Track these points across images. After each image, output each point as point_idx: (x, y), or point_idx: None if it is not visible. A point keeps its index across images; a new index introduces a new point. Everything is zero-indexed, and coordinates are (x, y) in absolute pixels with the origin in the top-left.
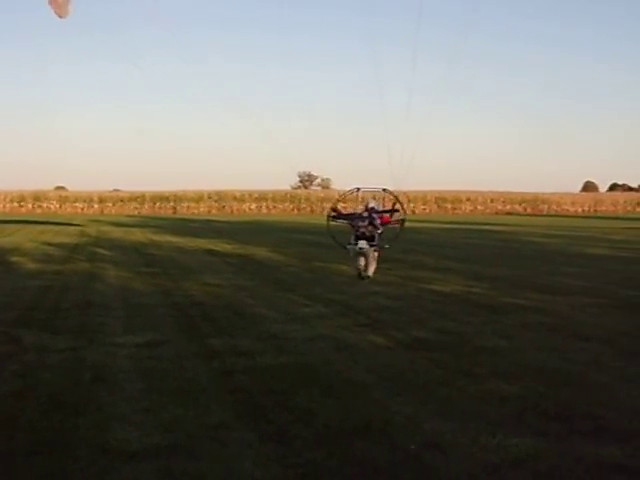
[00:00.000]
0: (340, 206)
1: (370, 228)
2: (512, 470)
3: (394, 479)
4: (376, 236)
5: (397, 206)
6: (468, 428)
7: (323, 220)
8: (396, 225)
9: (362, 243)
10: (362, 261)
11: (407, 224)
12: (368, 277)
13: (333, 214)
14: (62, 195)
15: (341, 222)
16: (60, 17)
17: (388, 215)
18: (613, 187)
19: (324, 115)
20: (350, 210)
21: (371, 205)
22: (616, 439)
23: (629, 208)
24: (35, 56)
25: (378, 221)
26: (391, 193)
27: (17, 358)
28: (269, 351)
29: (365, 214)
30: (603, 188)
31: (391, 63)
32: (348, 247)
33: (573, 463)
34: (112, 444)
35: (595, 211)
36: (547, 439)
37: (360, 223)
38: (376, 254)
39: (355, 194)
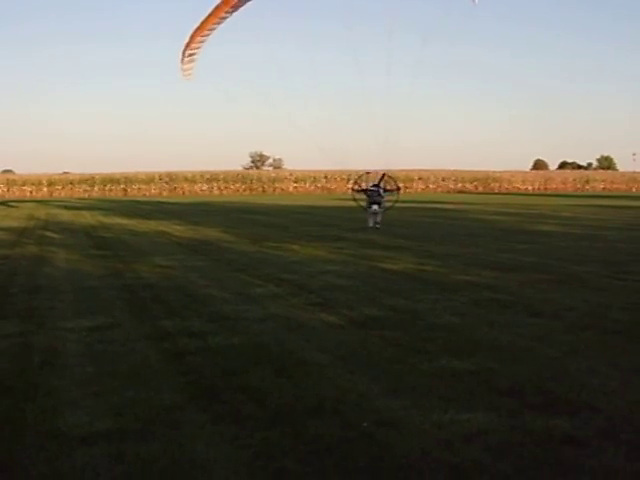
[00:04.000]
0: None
1: (378, 197)
2: (464, 445)
3: (347, 457)
4: (381, 202)
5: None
6: (420, 405)
7: (275, 200)
8: (391, 197)
9: (374, 206)
10: (373, 217)
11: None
12: (378, 226)
13: (356, 188)
14: (10, 178)
15: (359, 194)
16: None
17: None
18: (563, 165)
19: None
20: (364, 186)
21: (376, 182)
22: (566, 412)
23: (578, 186)
24: None
25: (382, 192)
26: (389, 176)
27: None
28: (221, 332)
29: (374, 188)
30: (553, 166)
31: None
32: (367, 209)
33: (524, 436)
34: (62, 429)
35: (545, 189)
36: (499, 414)
37: (372, 194)
38: (381, 212)
39: (366, 175)
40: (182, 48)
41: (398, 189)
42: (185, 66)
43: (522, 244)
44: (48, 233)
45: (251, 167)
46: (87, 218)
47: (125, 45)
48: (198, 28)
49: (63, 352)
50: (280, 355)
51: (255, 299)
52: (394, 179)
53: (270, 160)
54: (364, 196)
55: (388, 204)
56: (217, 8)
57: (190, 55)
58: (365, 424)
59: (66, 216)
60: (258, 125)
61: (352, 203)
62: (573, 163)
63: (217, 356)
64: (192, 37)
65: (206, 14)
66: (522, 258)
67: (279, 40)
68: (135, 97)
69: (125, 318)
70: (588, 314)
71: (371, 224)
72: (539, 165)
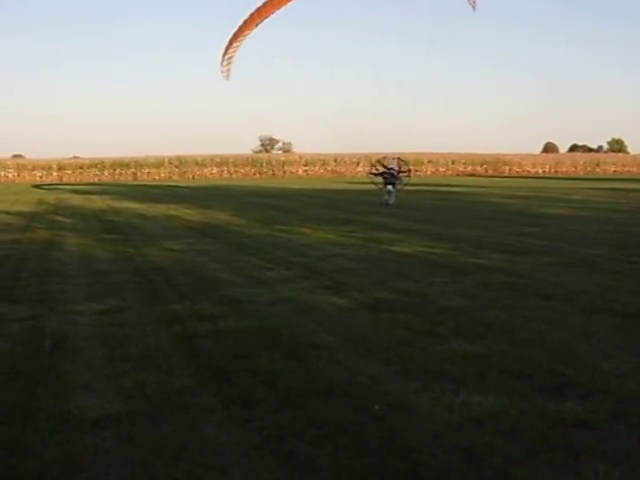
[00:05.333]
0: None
1: (392, 179)
2: (475, 428)
3: (358, 440)
4: (395, 183)
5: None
6: (431, 387)
7: (285, 183)
8: (403, 177)
9: (389, 187)
10: (387, 196)
11: (369, 187)
12: (391, 204)
13: (374, 171)
14: (20, 163)
15: (375, 176)
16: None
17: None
18: (573, 148)
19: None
20: (381, 169)
21: (391, 165)
22: (577, 395)
23: (589, 169)
24: None
25: (396, 174)
26: (402, 160)
27: None
28: (231, 315)
29: (388, 171)
30: (563, 149)
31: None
32: (383, 189)
33: (535, 420)
34: (73, 412)
35: (556, 172)
36: (510, 397)
37: (387, 176)
38: (395, 192)
39: (382, 159)
40: (222, 52)
41: (409, 171)
42: (224, 68)
43: (532, 227)
44: (59, 217)
45: (261, 151)
46: (97, 202)
47: (135, 27)
48: (235, 35)
49: (74, 336)
50: (290, 338)
51: (265, 282)
52: (406, 162)
53: (280, 144)
54: (380, 178)
55: (400, 185)
56: (252, 18)
57: (229, 58)
58: (376, 407)
59: (76, 200)
60: (268, 109)
61: (362, 186)
62: (584, 146)
63: (228, 339)
64: (230, 43)
65: (242, 22)
66: (532, 241)
67: (292, 23)
68: (144, 81)
69: (136, 301)
70: (599, 297)
71: (388, 200)
72: (549, 148)
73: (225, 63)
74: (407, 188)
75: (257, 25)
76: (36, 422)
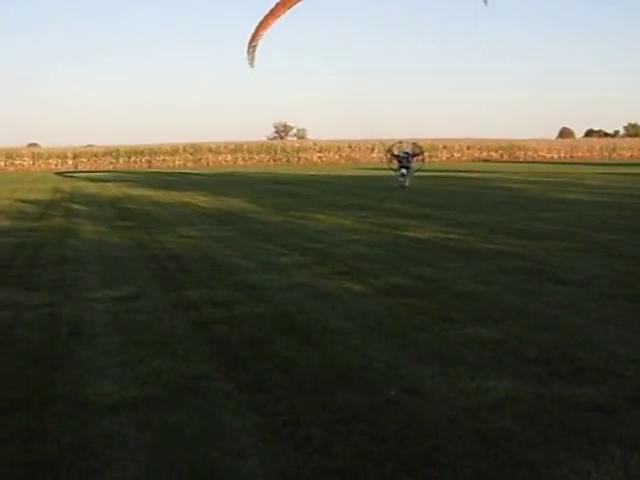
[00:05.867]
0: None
1: (407, 163)
2: (491, 413)
3: (374, 425)
4: (410, 166)
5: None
6: (447, 372)
7: (299, 170)
8: (418, 162)
9: (404, 170)
10: (402, 179)
11: (383, 173)
12: (406, 186)
13: (390, 155)
14: (35, 152)
15: (393, 157)
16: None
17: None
18: (589, 133)
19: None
20: (397, 153)
21: (407, 150)
22: (593, 380)
23: (605, 154)
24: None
25: (411, 159)
26: (417, 145)
27: None
28: (246, 301)
29: (404, 155)
30: (579, 134)
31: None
32: (398, 172)
33: (552, 404)
34: (90, 398)
35: (571, 157)
36: (526, 382)
37: (403, 160)
38: (409, 175)
39: (399, 144)
40: (248, 40)
41: (423, 153)
42: (249, 56)
43: (548, 212)
44: (74, 205)
45: (275, 137)
46: (112, 190)
47: (149, 15)
48: (262, 23)
49: (90, 322)
50: (306, 324)
51: (280, 268)
52: (420, 147)
53: (294, 130)
54: (396, 162)
55: (415, 168)
56: (277, 9)
57: (253, 46)
58: (392, 392)
59: (92, 188)
60: (282, 95)
61: (377, 173)
62: (600, 131)
63: (243, 325)
64: (257, 30)
65: (267, 12)
66: (548, 226)
67: (308, 10)
68: (158, 68)
69: (151, 288)
70: (616, 282)
71: (403, 182)
72: (565, 133)
73: (251, 52)
74: (422, 174)
75: (285, 12)
76: (53, 407)
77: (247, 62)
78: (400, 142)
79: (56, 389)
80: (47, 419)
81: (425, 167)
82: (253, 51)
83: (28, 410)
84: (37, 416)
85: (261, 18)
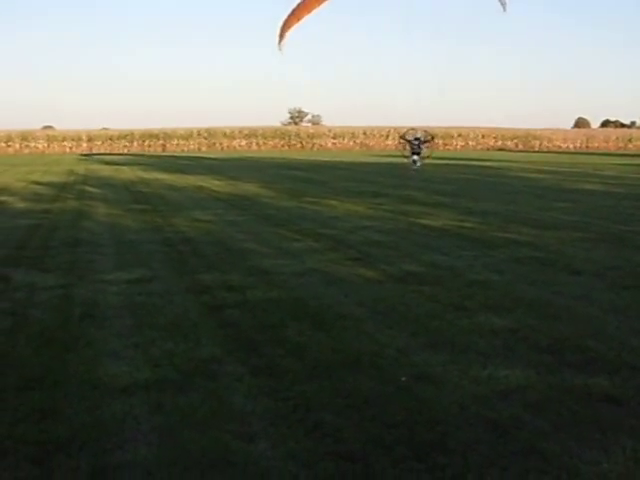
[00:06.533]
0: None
1: (417, 149)
2: (502, 401)
3: (385, 410)
4: (420, 152)
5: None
6: (459, 360)
7: (313, 156)
8: (427, 148)
9: (415, 156)
10: (414, 163)
11: (397, 160)
12: (417, 167)
13: (402, 140)
14: (50, 134)
15: (406, 142)
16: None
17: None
18: (605, 124)
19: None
20: (409, 138)
21: (418, 136)
22: (605, 370)
23: (621, 144)
24: None
25: (422, 145)
26: (428, 132)
27: (7, 296)
28: (259, 286)
29: (416, 141)
30: (595, 124)
31: None
32: (409, 157)
33: (563, 394)
34: (102, 379)
35: (587, 147)
36: (537, 371)
37: (414, 145)
38: (420, 160)
39: (410, 131)
40: (280, 28)
41: (433, 140)
42: (281, 44)
43: (563, 202)
44: (88, 188)
45: (290, 123)
46: (126, 173)
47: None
48: (295, 13)
49: (103, 304)
50: (318, 309)
51: (294, 254)
52: (430, 134)
53: (309, 116)
54: (408, 147)
55: (425, 154)
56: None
57: (284, 35)
58: (403, 378)
59: (106, 171)
60: (297, 80)
61: (391, 159)
62: (616, 121)
63: (256, 310)
64: (290, 22)
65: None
66: (563, 216)
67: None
68: (173, 53)
69: (164, 271)
70: (630, 274)
71: (413, 166)
72: (581, 123)
73: (281, 39)
74: (436, 162)
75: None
76: (66, 388)
77: (279, 49)
78: (413, 129)
79: (69, 370)
80: (60, 399)
81: (440, 155)
82: (284, 38)
83: (41, 390)
84: (50, 396)
85: (294, 7)
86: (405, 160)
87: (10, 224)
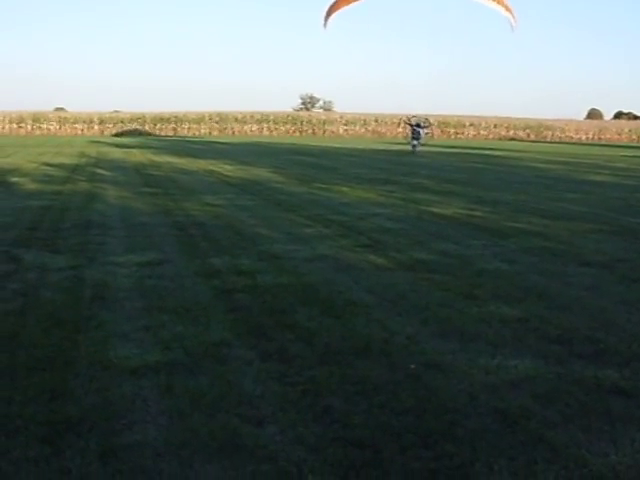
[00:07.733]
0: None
1: (417, 135)
2: (511, 390)
3: (394, 398)
4: (419, 138)
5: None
6: (468, 349)
7: (325, 142)
8: (425, 134)
9: (414, 140)
10: (414, 146)
11: (409, 147)
12: (417, 151)
13: (405, 125)
14: (62, 116)
15: (409, 127)
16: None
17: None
18: (618, 115)
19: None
20: (412, 123)
21: (418, 122)
22: (615, 362)
23: (634, 137)
24: None
25: (421, 130)
26: (427, 119)
27: (18, 277)
28: (270, 271)
29: (417, 127)
30: (608, 116)
31: None
32: (410, 142)
33: (572, 385)
34: (112, 361)
35: (599, 139)
36: (547, 361)
37: (415, 130)
38: (421, 144)
39: (413, 117)
40: (328, 8)
41: (430, 127)
42: (326, 22)
43: (574, 193)
44: (99, 170)
45: (301, 109)
46: (137, 156)
47: None
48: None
49: (114, 286)
50: (328, 295)
51: (304, 239)
52: (429, 121)
53: (321, 102)
54: (409, 132)
55: (422, 141)
56: None
57: (328, 18)
58: (412, 366)
59: (117, 154)
60: (309, 66)
61: (402, 147)
62: (629, 113)
63: (266, 295)
64: (332, 10)
65: None
66: (573, 207)
67: None
68: (184, 36)
69: (175, 255)
70: None
71: (413, 149)
72: (594, 114)
73: (324, 20)
74: (447, 150)
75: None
76: (76, 369)
77: (324, 26)
78: (414, 115)
79: (79, 351)
80: (70, 380)
81: (451, 143)
82: (326, 20)
83: (52, 371)
84: (60, 377)
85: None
86: (410, 148)
87: (21, 205)
